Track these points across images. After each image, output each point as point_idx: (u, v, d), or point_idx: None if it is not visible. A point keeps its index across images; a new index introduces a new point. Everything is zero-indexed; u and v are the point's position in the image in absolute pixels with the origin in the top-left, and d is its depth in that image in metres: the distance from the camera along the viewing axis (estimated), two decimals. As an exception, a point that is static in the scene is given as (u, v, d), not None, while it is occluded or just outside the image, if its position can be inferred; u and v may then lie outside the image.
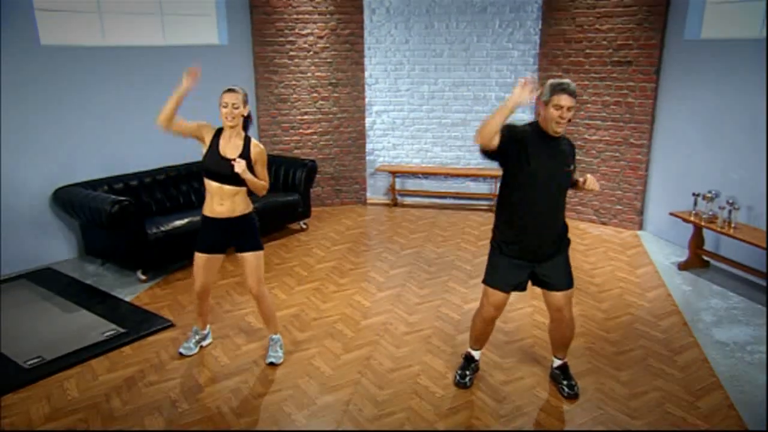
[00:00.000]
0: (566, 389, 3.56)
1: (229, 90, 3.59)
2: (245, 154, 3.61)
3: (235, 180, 3.60)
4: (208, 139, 3.64)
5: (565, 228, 3.40)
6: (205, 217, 3.75)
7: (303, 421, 3.34)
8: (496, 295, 3.40)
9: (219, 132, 3.66)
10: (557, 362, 3.67)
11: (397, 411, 3.43)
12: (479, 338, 3.67)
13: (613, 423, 3.31)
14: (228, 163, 3.55)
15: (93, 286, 5.18)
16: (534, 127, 3.20)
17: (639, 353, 4.04)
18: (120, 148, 6.03)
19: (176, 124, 3.54)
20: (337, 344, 4.20)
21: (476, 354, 3.75)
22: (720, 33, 5.69)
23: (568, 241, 3.41)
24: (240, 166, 3.50)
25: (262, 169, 3.70)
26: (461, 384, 3.65)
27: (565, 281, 3.36)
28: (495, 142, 3.01)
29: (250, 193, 3.75)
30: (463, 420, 3.35)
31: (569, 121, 3.08)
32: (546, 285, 3.38)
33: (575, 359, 3.93)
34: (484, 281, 3.45)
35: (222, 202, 3.65)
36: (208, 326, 4.21)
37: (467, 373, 3.69)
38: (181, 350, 4.06)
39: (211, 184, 3.65)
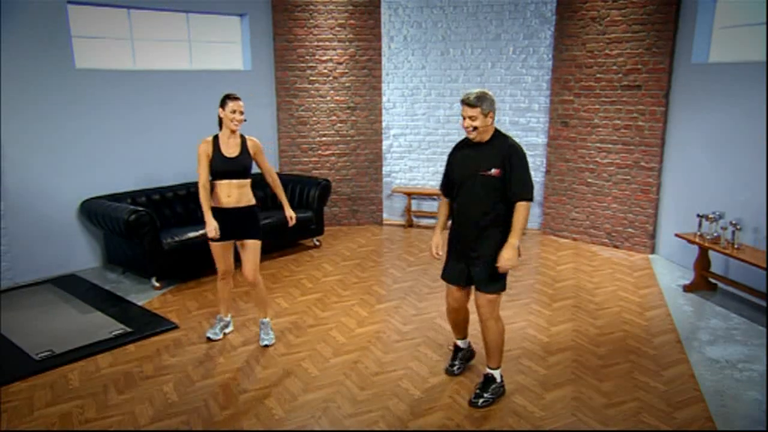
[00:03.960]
0: (473, 398, 3.61)
1: (237, 97, 4.10)
2: (245, 150, 4.15)
3: (241, 174, 4.14)
4: (210, 150, 4.14)
5: (499, 238, 3.45)
6: (214, 209, 4.18)
7: (282, 416, 3.49)
8: (448, 287, 3.77)
9: (215, 138, 4.15)
10: (486, 370, 3.71)
11: (373, 410, 3.54)
12: (454, 328, 3.96)
13: (584, 429, 3.33)
14: (233, 161, 4.10)
15: (110, 292, 5.49)
16: (465, 140, 3.58)
17: (625, 367, 4.04)
18: (146, 165, 6.41)
19: (207, 183, 4.16)
20: (328, 349, 4.35)
21: (461, 343, 4.00)
22: (727, 57, 5.72)
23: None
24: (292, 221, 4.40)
25: (263, 158, 4.29)
26: (449, 371, 3.95)
27: (483, 286, 3.51)
28: (447, 190, 3.67)
29: (254, 188, 4.32)
30: (435, 420, 3.43)
31: (476, 129, 3.36)
32: (473, 280, 3.59)
33: (559, 370, 3.98)
34: (441, 275, 3.81)
35: (230, 194, 4.15)
36: (229, 315, 4.61)
37: (455, 362, 3.98)
38: (209, 335, 4.51)
39: (220, 183, 4.15)
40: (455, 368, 3.96)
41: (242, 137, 4.19)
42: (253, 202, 4.25)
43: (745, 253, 4.93)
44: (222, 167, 4.11)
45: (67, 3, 5.71)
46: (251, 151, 4.19)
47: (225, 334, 4.56)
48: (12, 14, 5.37)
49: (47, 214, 5.83)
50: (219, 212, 4.16)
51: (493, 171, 3.37)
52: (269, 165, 4.36)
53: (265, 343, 4.39)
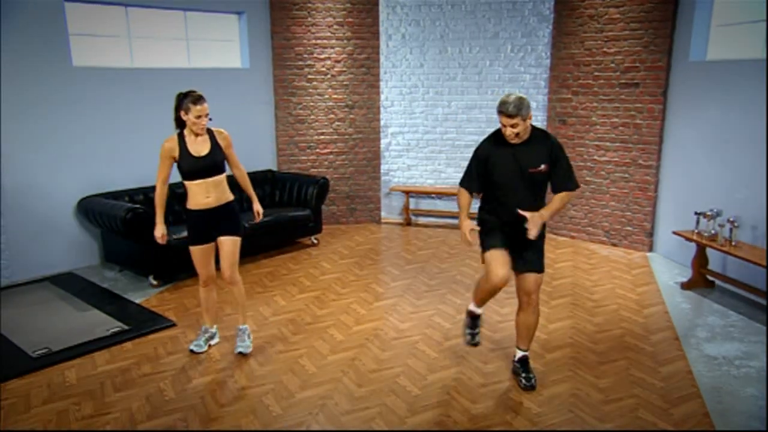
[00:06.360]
0: (523, 381, 3.73)
1: (202, 97, 3.84)
2: (215, 146, 3.94)
3: (215, 171, 3.92)
4: (177, 150, 3.92)
5: (543, 229, 3.65)
6: (191, 212, 3.99)
7: (279, 412, 3.49)
8: (497, 254, 3.59)
9: (180, 136, 3.93)
10: (519, 354, 3.82)
11: (371, 407, 3.54)
12: (485, 300, 3.87)
13: (581, 425, 3.34)
14: (204, 159, 3.88)
15: (108, 290, 5.48)
16: (498, 136, 3.58)
17: (622, 363, 4.04)
18: (143, 163, 6.37)
19: (166, 181, 4.05)
20: (326, 346, 4.34)
21: (480, 310, 3.97)
22: (725, 54, 5.72)
23: (542, 246, 3.70)
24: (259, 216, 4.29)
25: (232, 151, 4.07)
26: (474, 343, 3.99)
27: (537, 264, 3.62)
28: (480, 189, 3.70)
29: (232, 187, 4.12)
30: (433, 417, 3.43)
31: (518, 135, 3.44)
32: (519, 265, 3.63)
33: (557, 367, 3.98)
34: (485, 250, 3.66)
35: (209, 194, 3.94)
36: (215, 326, 4.38)
37: (476, 332, 3.98)
38: (193, 348, 4.24)
39: (194, 183, 3.92)
40: (477, 338, 3.99)
41: (209, 131, 3.95)
42: (231, 197, 4.05)
43: (743, 251, 4.93)
44: (193, 167, 3.87)
45: (64, 1, 5.70)
46: (222, 144, 3.95)
47: (210, 345, 4.30)
48: (9, 12, 5.36)
49: (45, 212, 5.82)
50: (199, 214, 3.95)
51: (542, 167, 3.51)
52: (237, 158, 4.12)
53: (240, 350, 4.15)
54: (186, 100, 3.82)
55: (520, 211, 3.49)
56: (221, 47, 7.16)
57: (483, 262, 3.72)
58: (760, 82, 5.10)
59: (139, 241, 5.42)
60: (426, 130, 7.86)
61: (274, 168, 7.59)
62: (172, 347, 4.33)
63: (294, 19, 7.26)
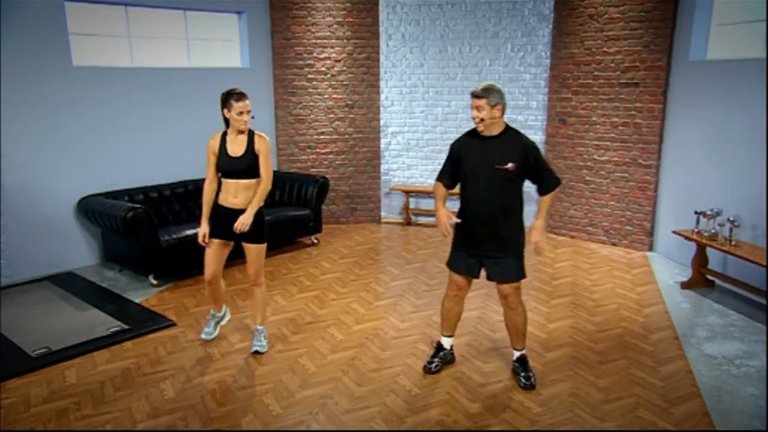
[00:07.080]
0: (523, 380, 3.73)
1: (241, 95, 3.87)
2: (250, 149, 3.93)
3: (247, 174, 3.95)
4: (217, 148, 3.99)
5: (516, 235, 3.60)
6: (219, 206, 4.04)
7: (279, 412, 3.49)
8: (455, 276, 3.75)
9: (223, 135, 3.99)
10: (516, 354, 3.83)
11: (371, 406, 3.54)
12: (446, 320, 3.91)
13: (581, 424, 3.34)
14: (237, 160, 3.91)
15: (108, 289, 5.48)
16: (473, 132, 3.56)
17: (623, 363, 4.04)
18: (143, 162, 6.40)
19: (213, 179, 4.06)
20: (326, 345, 4.35)
21: (446, 342, 3.98)
22: (725, 54, 5.72)
23: (519, 251, 3.62)
24: (244, 227, 3.93)
25: (264, 159, 3.98)
26: (427, 369, 3.90)
27: (509, 276, 3.58)
28: (452, 184, 3.69)
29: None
30: (432, 416, 3.43)
31: (482, 120, 3.39)
32: (494, 274, 3.65)
33: (556, 366, 3.98)
34: (448, 265, 3.81)
35: (237, 194, 3.98)
36: (224, 307, 4.44)
37: (435, 360, 3.94)
38: (202, 335, 4.35)
39: (227, 182, 3.99)
40: (434, 365, 3.90)
41: (251, 134, 3.94)
42: (260, 204, 4.04)
43: (743, 250, 4.93)
44: (226, 167, 3.94)
45: (64, 0, 5.70)
46: (257, 148, 3.92)
47: (221, 326, 4.44)
48: (9, 12, 5.36)
49: (45, 211, 5.82)
50: (224, 210, 4.00)
51: (510, 165, 3.41)
52: (268, 167, 3.98)
53: (256, 349, 4.20)
54: (229, 98, 3.85)
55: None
56: (221, 47, 7.16)
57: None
58: (760, 82, 5.10)
59: (139, 240, 5.42)
60: (426, 130, 7.86)
61: (274, 167, 7.58)
62: (172, 347, 4.33)
63: (294, 18, 7.26)
